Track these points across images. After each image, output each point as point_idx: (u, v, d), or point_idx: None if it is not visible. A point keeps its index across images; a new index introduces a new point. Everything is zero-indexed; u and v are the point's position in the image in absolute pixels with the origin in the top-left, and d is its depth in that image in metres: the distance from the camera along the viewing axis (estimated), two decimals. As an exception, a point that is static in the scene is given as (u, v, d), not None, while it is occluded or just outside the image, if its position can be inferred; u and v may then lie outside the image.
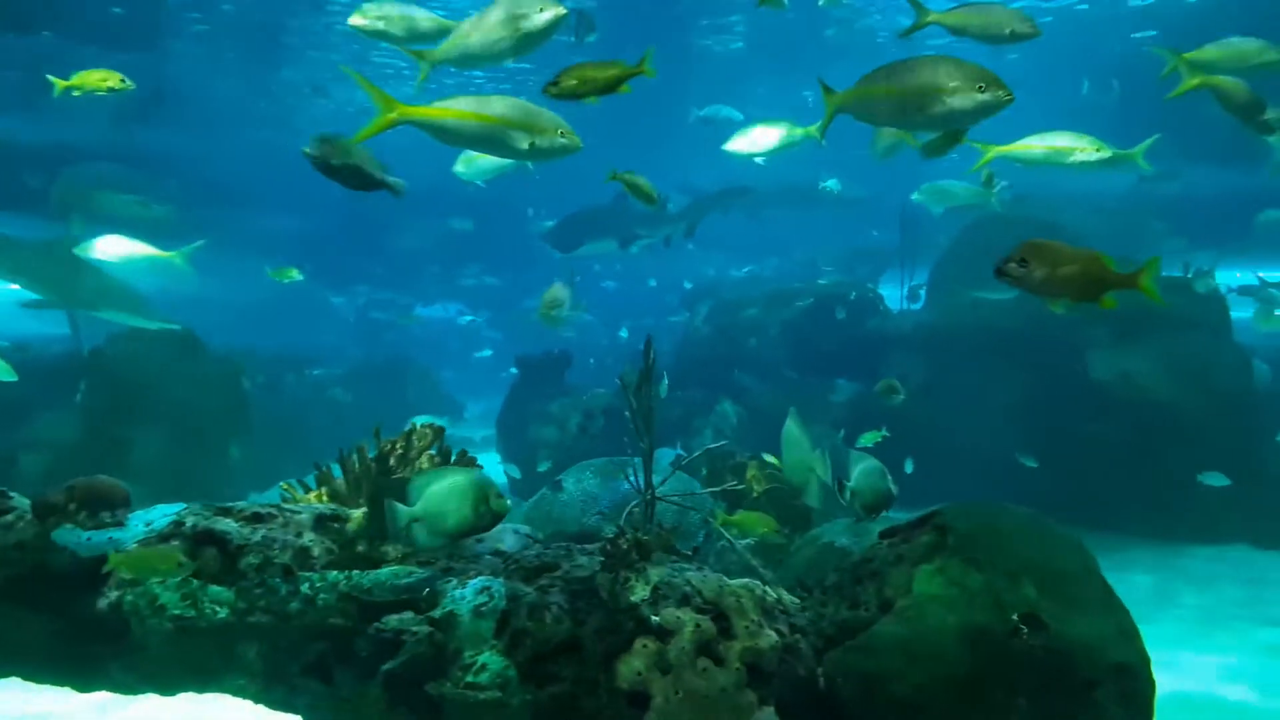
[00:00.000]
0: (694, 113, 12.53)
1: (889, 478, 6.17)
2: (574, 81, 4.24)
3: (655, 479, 4.93)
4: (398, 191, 4.37)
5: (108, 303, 11.11)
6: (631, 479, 4.70)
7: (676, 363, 14.75)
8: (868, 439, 9.07)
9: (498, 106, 4.28)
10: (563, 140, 4.32)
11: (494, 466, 13.46)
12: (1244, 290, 13.18)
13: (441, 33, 5.53)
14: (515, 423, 12.67)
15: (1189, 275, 11.42)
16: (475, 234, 19.99)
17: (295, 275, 12.92)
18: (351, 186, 4.32)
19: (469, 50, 4.96)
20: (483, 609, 4.12)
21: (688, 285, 17.23)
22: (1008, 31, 6.06)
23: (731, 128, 11.13)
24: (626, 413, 4.69)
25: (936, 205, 8.71)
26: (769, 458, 7.39)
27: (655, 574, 4.21)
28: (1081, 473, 10.95)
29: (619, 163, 7.13)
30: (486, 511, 3.98)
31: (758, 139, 7.30)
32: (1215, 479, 9.98)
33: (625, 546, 4.19)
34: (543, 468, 10.85)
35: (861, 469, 6.17)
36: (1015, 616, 4.17)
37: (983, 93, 3.98)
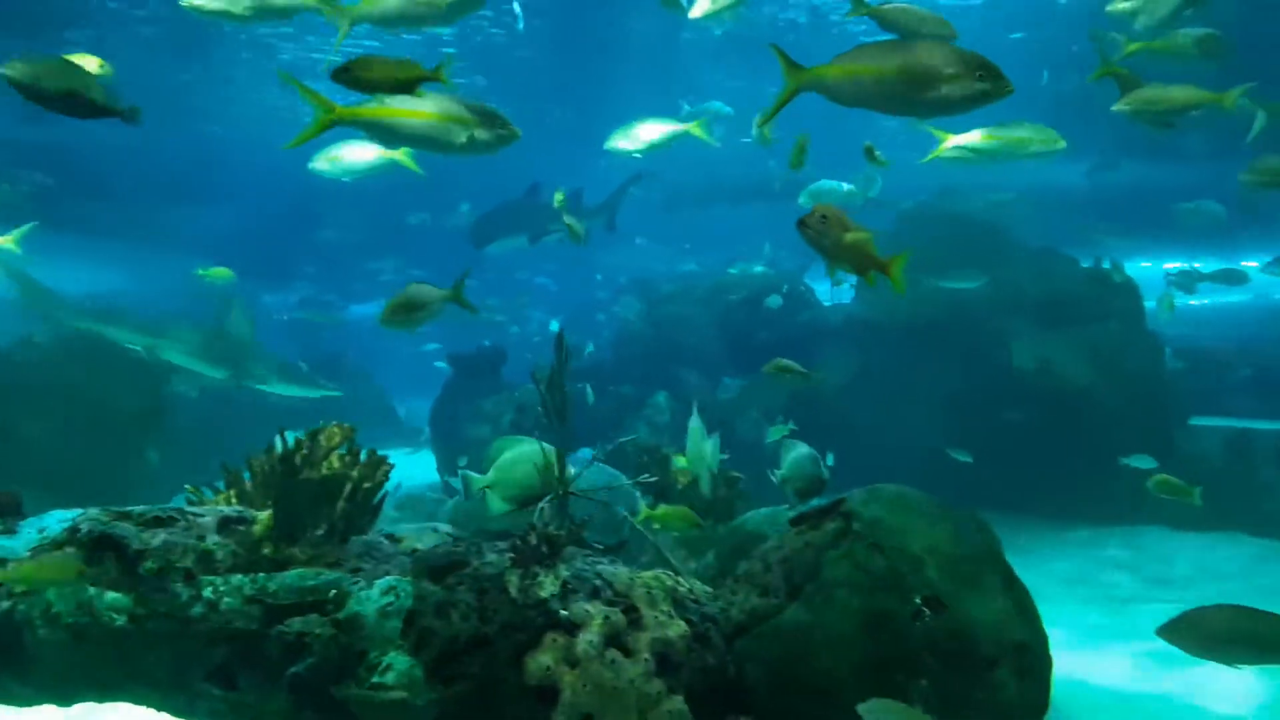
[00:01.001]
0: (683, 107, 12.51)
1: (821, 464, 6.27)
2: (365, 74, 4.11)
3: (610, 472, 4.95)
4: (130, 118, 4.05)
5: (277, 377, 11.75)
6: (540, 475, 4.67)
7: (613, 358, 14.77)
8: (775, 433, 9.19)
9: (434, 104, 4.27)
10: (501, 132, 4.33)
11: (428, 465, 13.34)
12: (1175, 279, 13.63)
13: (298, 9, 5.46)
14: (448, 421, 12.58)
15: (1103, 266, 11.78)
16: (400, 228, 19.85)
17: (227, 275, 12.69)
18: (71, 114, 3.96)
19: (387, 11, 4.95)
20: (389, 609, 4.08)
21: (622, 280, 17.25)
22: (926, 34, 6.23)
23: (720, 122, 11.19)
24: (539, 408, 4.67)
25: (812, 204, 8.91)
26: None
27: (566, 569, 4.21)
28: (1006, 459, 11.19)
29: (566, 155, 7.19)
30: (551, 478, 4.43)
31: (641, 136, 7.33)
32: (1142, 461, 10.32)
33: (534, 542, 4.18)
34: (462, 462, 10.91)
35: (793, 456, 6.26)
36: (918, 599, 4.27)
37: (981, 82, 3.69)
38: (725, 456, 8.27)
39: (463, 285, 4.97)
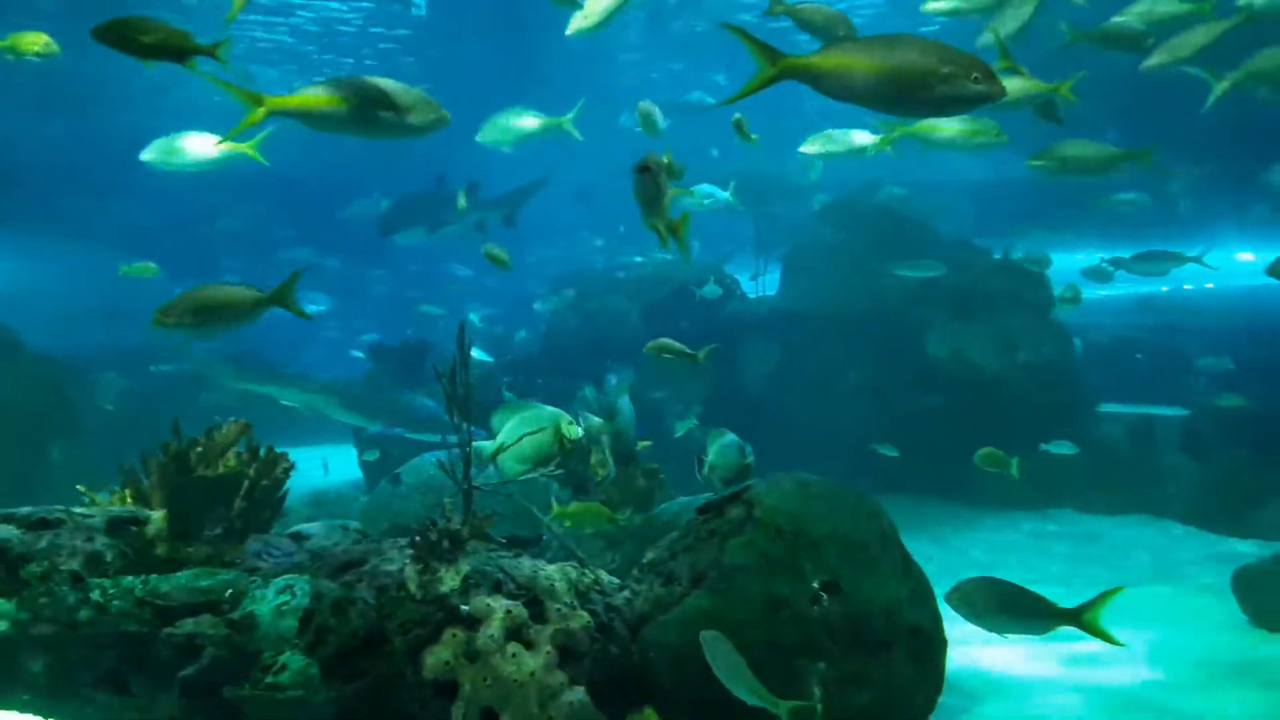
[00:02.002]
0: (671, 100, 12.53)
1: (746, 452, 6.34)
2: (137, 36, 3.96)
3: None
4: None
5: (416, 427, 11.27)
6: (448, 469, 4.66)
7: (542, 350, 14.70)
8: (683, 426, 9.30)
9: (368, 88, 4.25)
10: (432, 117, 4.32)
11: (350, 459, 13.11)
12: (1089, 272, 14.05)
13: None
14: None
15: (1013, 257, 12.13)
16: (324, 219, 19.49)
17: (152, 271, 12.39)
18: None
19: None
20: (284, 608, 4.01)
21: (549, 272, 17.17)
22: (839, 33, 6.35)
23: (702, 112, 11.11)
24: (445, 404, 4.63)
25: (695, 207, 8.94)
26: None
27: (467, 563, 4.19)
28: (923, 446, 11.47)
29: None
30: (562, 438, 4.60)
31: (508, 127, 7.30)
32: (1062, 447, 10.70)
33: (435, 538, 4.14)
34: (370, 457, 10.82)
35: (719, 445, 6.32)
36: (816, 584, 4.36)
37: (976, 84, 3.52)
38: (649, 444, 8.30)
39: (293, 288, 4.71)
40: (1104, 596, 3.57)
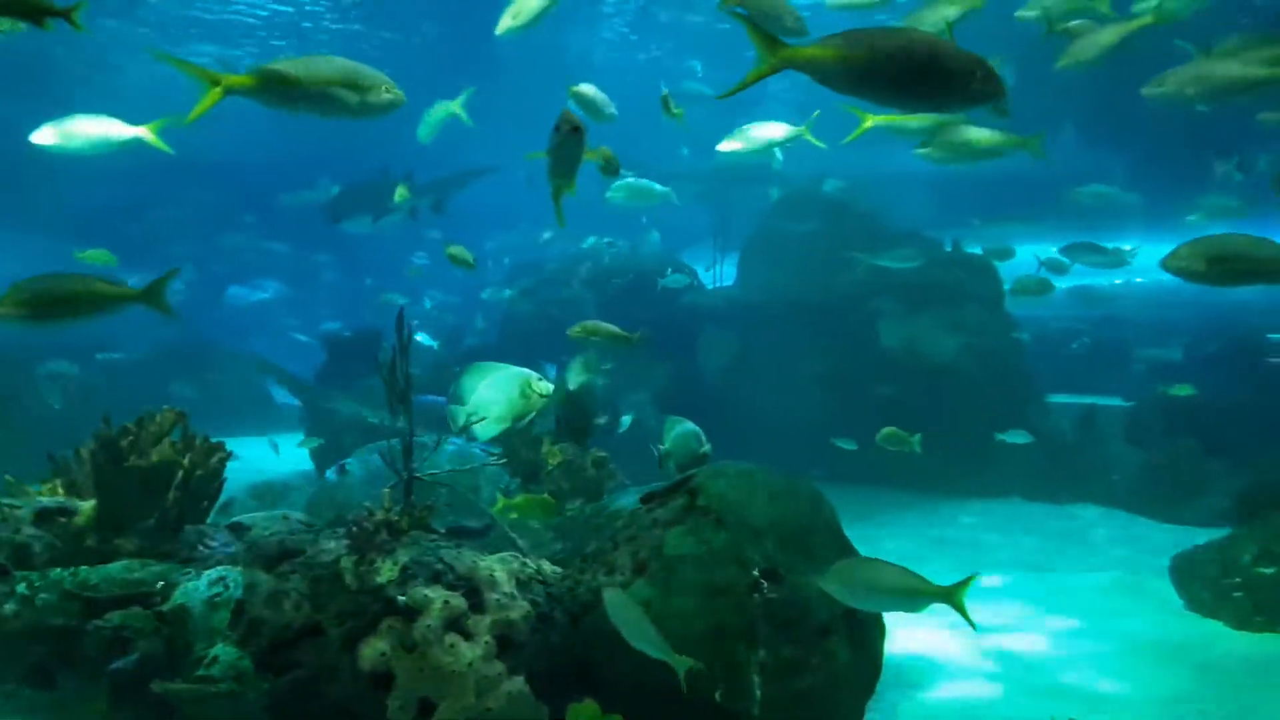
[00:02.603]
0: (662, 89, 12.51)
1: (703, 440, 6.34)
2: None
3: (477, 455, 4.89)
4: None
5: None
6: (387, 459, 4.61)
7: (500, 339, 14.62)
8: (626, 421, 9.33)
9: (323, 67, 4.25)
10: (388, 96, 4.32)
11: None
12: (1047, 264, 14.26)
13: None
14: (323, 405, 12.20)
15: (965, 250, 12.30)
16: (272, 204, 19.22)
17: (108, 259, 12.26)
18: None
19: None
20: (217, 600, 3.95)
21: (506, 261, 17.03)
22: (789, 25, 6.35)
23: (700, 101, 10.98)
24: (387, 392, 4.58)
25: (632, 202, 8.89)
26: None
27: (405, 554, 4.15)
28: (875, 434, 11.59)
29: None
30: (533, 396, 4.75)
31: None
32: (1017, 436, 10.90)
33: (372, 528, 4.10)
34: (311, 445, 10.71)
35: (676, 432, 6.32)
36: (756, 572, 4.38)
37: (982, 83, 3.51)
38: (604, 419, 8.21)
39: (164, 286, 4.47)
40: (968, 580, 3.80)
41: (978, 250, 12.52)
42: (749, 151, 6.69)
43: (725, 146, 6.77)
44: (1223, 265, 4.55)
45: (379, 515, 4.16)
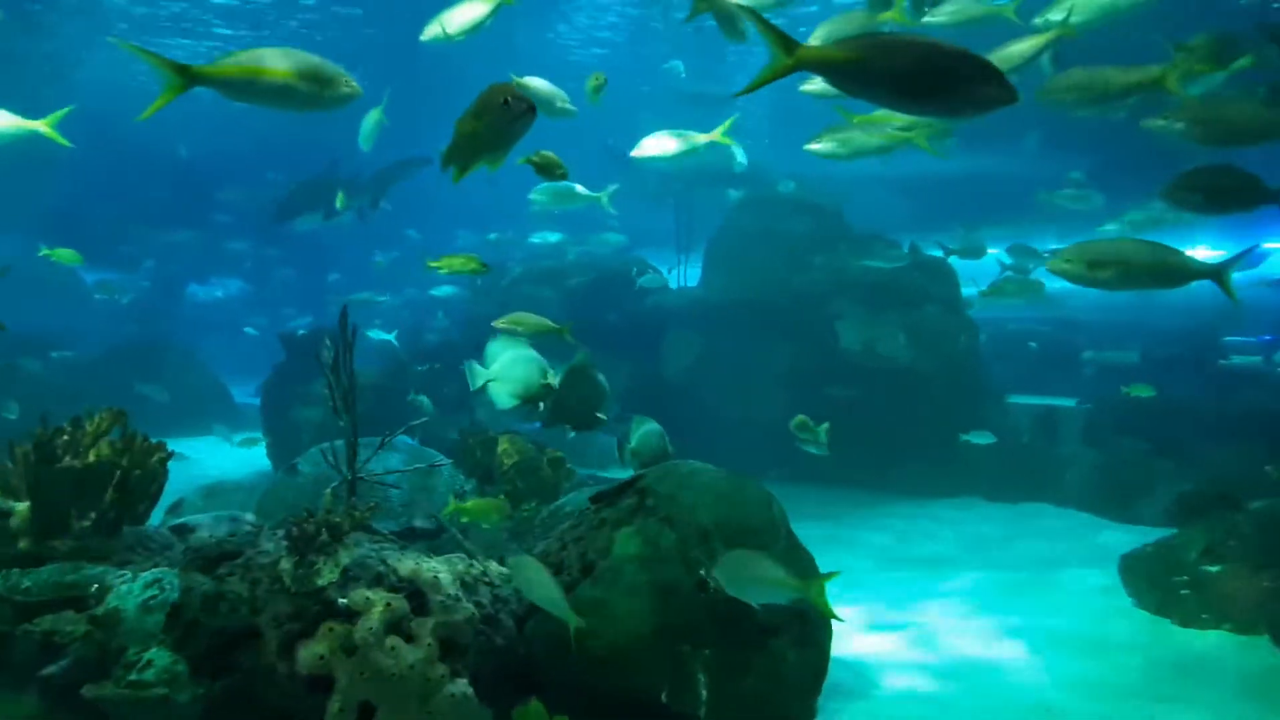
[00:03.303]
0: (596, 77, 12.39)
1: (666, 440, 6.33)
2: None
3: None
4: None
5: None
6: (330, 459, 4.54)
7: (463, 338, 14.50)
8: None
9: (284, 60, 4.29)
10: (347, 90, 4.37)
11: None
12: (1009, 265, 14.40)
13: None
14: (279, 404, 12.05)
15: (925, 253, 12.39)
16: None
17: (74, 258, 12.14)
18: None
19: None
20: (151, 603, 3.87)
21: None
22: (741, 28, 6.36)
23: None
24: (326, 390, 4.51)
25: (555, 206, 8.83)
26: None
27: (347, 555, 4.10)
28: (838, 436, 11.66)
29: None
30: (547, 384, 4.90)
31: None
32: (981, 437, 11.01)
33: (312, 529, 4.04)
34: (250, 444, 10.57)
35: (641, 432, 6.31)
36: (703, 571, 4.38)
37: (997, 88, 3.53)
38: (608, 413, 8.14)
39: None
40: (828, 575, 3.99)
41: (938, 252, 12.65)
42: (664, 158, 6.73)
43: (639, 152, 6.81)
44: (1103, 269, 4.65)
45: (320, 516, 4.10)
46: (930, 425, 11.62)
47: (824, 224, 13.10)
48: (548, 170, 4.91)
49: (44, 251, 11.95)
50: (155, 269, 23.70)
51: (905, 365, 11.70)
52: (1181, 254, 4.59)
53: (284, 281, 23.76)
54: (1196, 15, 7.16)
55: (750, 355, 13.06)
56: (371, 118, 8.30)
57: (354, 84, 4.43)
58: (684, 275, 15.23)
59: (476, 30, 5.64)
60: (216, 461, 13.27)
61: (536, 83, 6.10)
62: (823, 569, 5.30)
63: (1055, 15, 6.04)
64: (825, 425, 7.96)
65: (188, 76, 4.18)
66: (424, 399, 9.58)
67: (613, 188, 8.50)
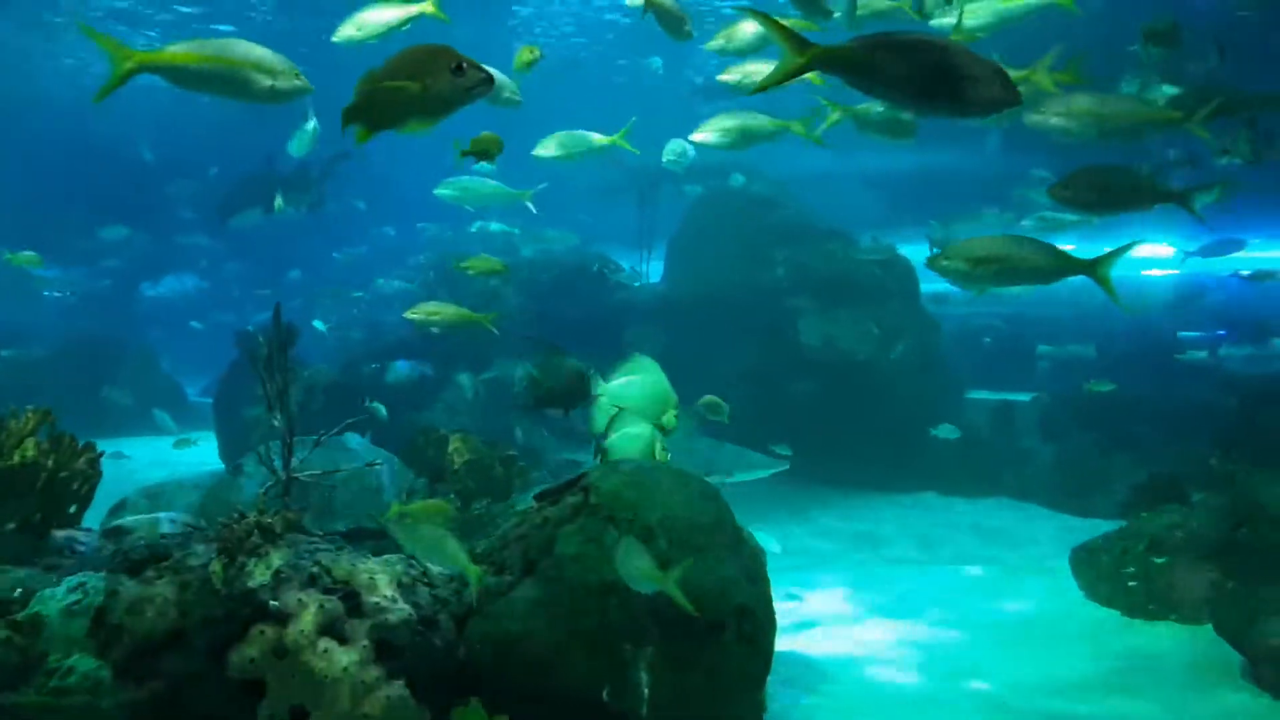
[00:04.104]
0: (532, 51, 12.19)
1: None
2: None
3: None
4: None
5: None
6: (265, 459, 4.45)
7: (414, 335, 14.33)
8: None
9: (238, 49, 4.24)
10: (298, 83, 4.32)
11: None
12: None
13: None
14: (232, 402, 11.85)
15: (874, 246, 12.47)
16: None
17: (35, 261, 11.95)
18: None
19: None
20: (75, 607, 3.77)
21: (422, 258, 16.69)
22: (686, 30, 6.34)
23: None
24: (259, 390, 4.42)
25: (460, 200, 8.75)
26: None
27: (279, 557, 4.01)
28: (797, 430, 11.69)
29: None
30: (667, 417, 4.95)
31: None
32: (947, 431, 11.08)
33: (243, 531, 3.95)
34: (183, 446, 10.44)
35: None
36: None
37: (1003, 89, 3.60)
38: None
39: None
40: (684, 565, 4.03)
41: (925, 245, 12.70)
42: (564, 156, 6.70)
43: (541, 151, 6.79)
44: (984, 266, 4.70)
45: (251, 517, 4.01)
46: (890, 420, 11.69)
47: (785, 220, 13.12)
48: (486, 154, 4.83)
49: (8, 256, 11.79)
50: (110, 265, 23.27)
51: (864, 361, 11.75)
52: (1060, 250, 4.63)
53: (242, 277, 23.44)
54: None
55: (713, 351, 13.05)
56: (308, 129, 8.19)
57: (303, 79, 4.38)
58: (646, 271, 15.19)
59: (389, 35, 5.55)
60: (169, 460, 13.04)
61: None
62: (777, 567, 5.33)
63: (949, 18, 6.11)
64: (728, 407, 8.04)
65: (136, 60, 4.12)
66: (379, 405, 9.46)
67: (541, 185, 8.33)
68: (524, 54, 6.03)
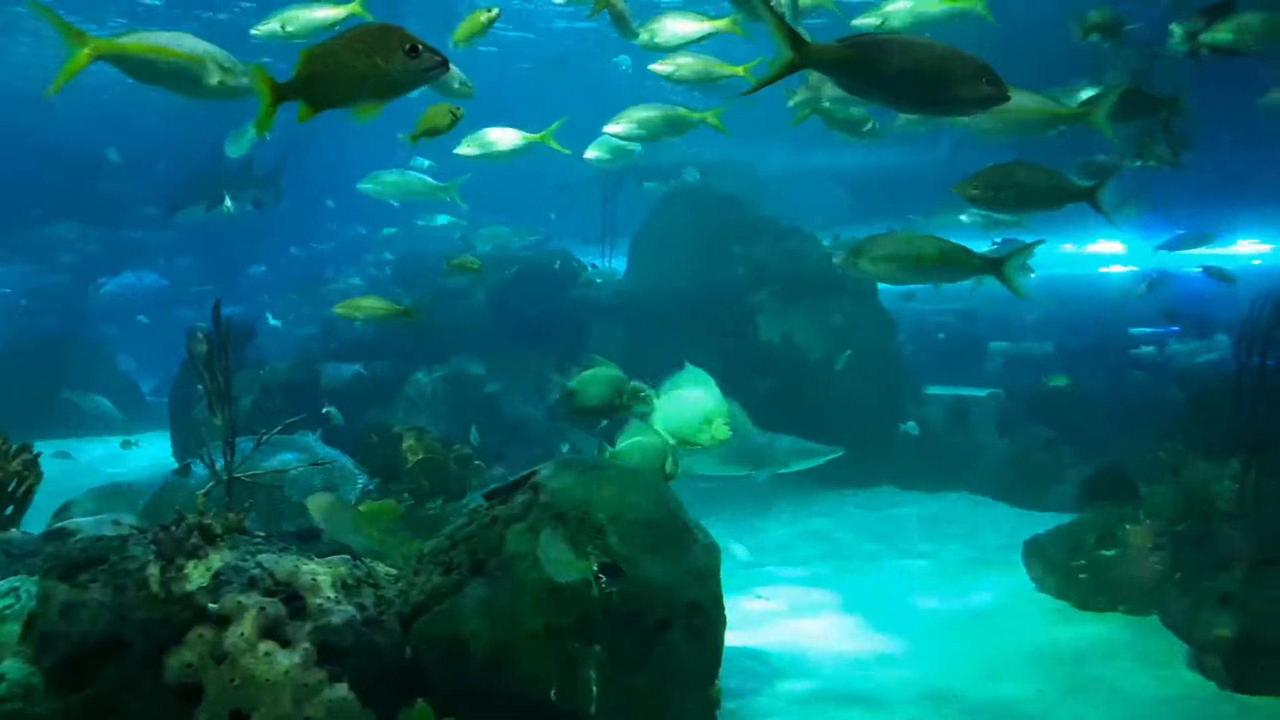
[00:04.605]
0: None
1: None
2: None
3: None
4: None
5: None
6: (206, 459, 4.37)
7: (377, 334, 14.19)
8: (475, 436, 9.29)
9: (192, 43, 4.21)
10: (247, 81, 4.26)
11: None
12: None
13: None
14: (186, 402, 11.63)
15: (834, 244, 12.55)
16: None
17: None
18: None
19: None
20: (6, 612, 3.67)
21: (389, 256, 16.48)
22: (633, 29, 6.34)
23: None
24: (199, 386, 4.34)
25: (382, 194, 8.65)
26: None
27: (219, 559, 3.94)
28: (760, 426, 11.71)
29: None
30: (711, 432, 5.04)
31: None
32: (909, 427, 11.17)
33: (182, 533, 3.87)
34: (127, 448, 10.28)
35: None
36: (595, 566, 4.32)
37: (988, 86, 3.69)
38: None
39: None
40: (392, 508, 4.36)
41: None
42: (485, 155, 6.67)
43: (462, 150, 6.76)
44: (889, 264, 4.78)
45: (191, 519, 3.93)
46: (849, 415, 11.75)
47: (745, 217, 13.16)
48: (436, 130, 4.78)
49: None
50: (65, 261, 22.77)
51: (821, 358, 11.82)
52: (964, 248, 4.70)
53: (202, 273, 23.06)
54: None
55: (674, 348, 13.02)
56: (250, 131, 8.05)
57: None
58: (610, 267, 15.16)
59: (316, 34, 5.49)
60: (125, 460, 12.81)
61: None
62: (739, 564, 5.35)
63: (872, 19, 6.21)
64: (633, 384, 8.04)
65: (93, 48, 4.07)
66: (334, 410, 9.34)
67: (465, 176, 8.16)
68: (482, 15, 5.89)
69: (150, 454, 12.29)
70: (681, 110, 6.40)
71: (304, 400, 10.29)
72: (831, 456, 9.61)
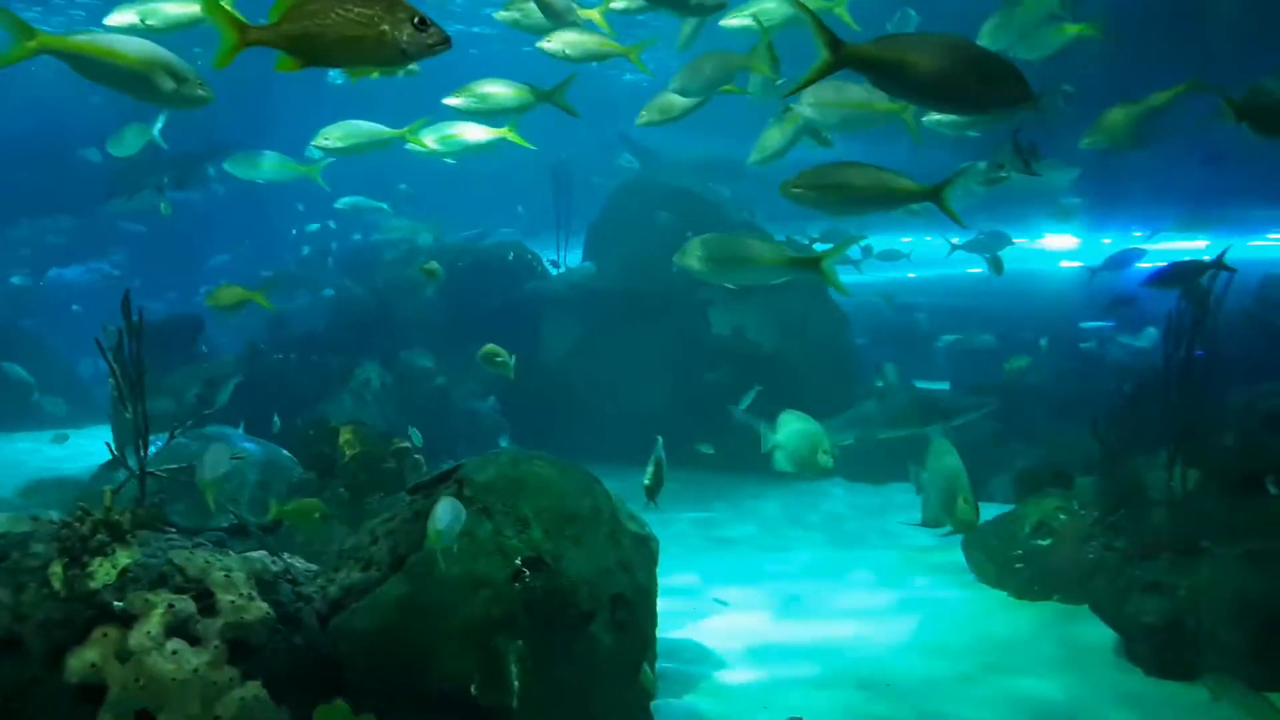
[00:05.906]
0: None
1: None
2: None
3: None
4: None
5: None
6: (114, 451, 4.27)
7: (327, 326, 14.01)
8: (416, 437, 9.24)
9: (142, 48, 4.20)
10: (201, 93, 4.30)
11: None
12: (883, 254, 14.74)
13: None
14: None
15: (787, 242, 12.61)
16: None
17: None
18: None
19: None
20: (-101, 613, 3.55)
21: (334, 245, 16.27)
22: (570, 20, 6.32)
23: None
24: (110, 380, 4.24)
25: (249, 174, 8.52)
26: None
27: (127, 556, 3.85)
28: (709, 419, 11.75)
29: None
30: (817, 460, 5.69)
31: None
32: None
33: (87, 529, 3.78)
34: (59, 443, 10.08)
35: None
36: (519, 561, 4.29)
37: (1018, 87, 3.76)
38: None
39: None
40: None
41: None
42: (345, 148, 6.64)
43: (321, 142, 6.71)
44: (832, 192, 4.83)
45: (96, 514, 3.84)
46: (800, 408, 11.79)
47: (699, 210, 13.15)
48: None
49: None
50: (22, 255, 22.23)
51: (772, 351, 11.88)
52: (904, 177, 4.70)
53: (161, 264, 22.64)
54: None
55: (627, 341, 13.03)
56: (136, 131, 7.97)
57: (209, 89, 4.34)
58: (564, 261, 15.10)
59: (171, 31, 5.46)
60: (61, 455, 12.55)
61: None
62: (679, 556, 5.37)
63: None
64: (514, 357, 8.05)
65: (39, 42, 4.00)
66: (275, 419, 9.23)
67: (327, 161, 7.94)
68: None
69: (91, 447, 12.02)
70: (527, 90, 6.40)
71: (257, 394, 10.15)
72: (985, 412, 10.60)
